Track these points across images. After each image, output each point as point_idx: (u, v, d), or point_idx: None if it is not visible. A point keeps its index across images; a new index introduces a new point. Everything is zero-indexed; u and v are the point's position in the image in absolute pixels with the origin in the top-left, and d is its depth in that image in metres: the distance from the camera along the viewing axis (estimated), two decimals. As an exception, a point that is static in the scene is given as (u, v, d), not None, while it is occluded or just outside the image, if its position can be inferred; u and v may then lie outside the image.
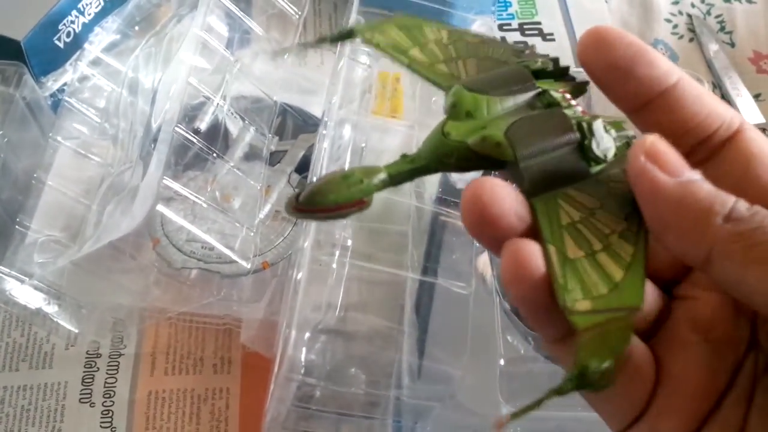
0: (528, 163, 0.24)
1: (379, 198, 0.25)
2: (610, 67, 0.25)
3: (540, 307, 0.23)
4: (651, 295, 0.26)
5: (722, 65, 0.67)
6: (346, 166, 0.42)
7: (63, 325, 0.49)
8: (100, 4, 0.59)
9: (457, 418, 0.39)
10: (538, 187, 0.24)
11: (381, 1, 0.46)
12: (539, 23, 0.74)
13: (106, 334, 0.50)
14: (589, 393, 0.23)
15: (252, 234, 0.49)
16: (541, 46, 0.72)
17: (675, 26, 0.72)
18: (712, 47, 0.69)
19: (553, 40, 0.73)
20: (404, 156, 0.26)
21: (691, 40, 0.71)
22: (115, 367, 0.49)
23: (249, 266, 0.47)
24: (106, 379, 0.49)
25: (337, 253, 0.38)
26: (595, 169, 0.25)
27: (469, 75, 0.28)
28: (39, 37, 0.54)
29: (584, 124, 0.25)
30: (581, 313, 0.22)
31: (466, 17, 0.57)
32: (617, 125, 0.26)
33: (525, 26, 0.74)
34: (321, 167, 0.45)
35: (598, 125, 0.25)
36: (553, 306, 0.23)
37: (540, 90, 0.26)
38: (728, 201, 0.22)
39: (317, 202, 0.24)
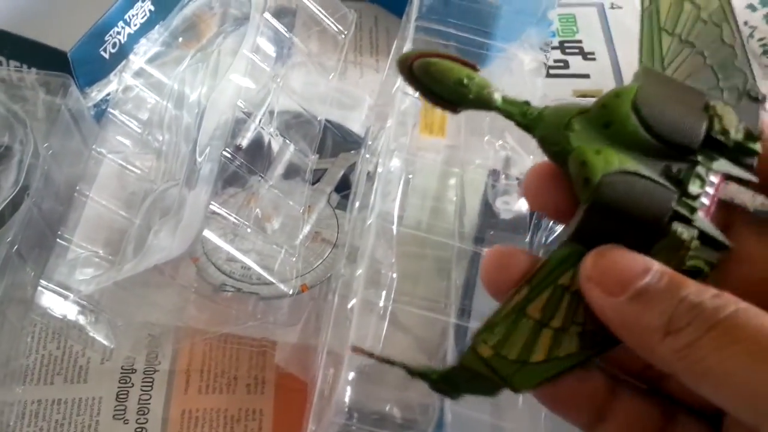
0: (588, 225, 0.23)
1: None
2: None
3: None
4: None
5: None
6: (397, 202, 0.42)
7: (98, 339, 0.49)
8: (146, 14, 0.59)
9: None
10: (578, 236, 0.23)
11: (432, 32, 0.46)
12: (580, 41, 0.74)
13: (141, 350, 0.50)
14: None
15: (291, 256, 0.48)
16: (581, 65, 0.71)
17: (720, 51, 0.71)
18: (755, 71, 0.68)
19: (594, 59, 0.72)
20: (526, 105, 0.25)
21: (735, 65, 0.69)
22: (150, 384, 0.49)
23: (290, 290, 0.46)
24: (140, 395, 0.49)
25: (383, 292, 0.38)
26: None
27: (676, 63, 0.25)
28: (85, 48, 0.54)
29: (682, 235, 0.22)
30: (477, 356, 0.23)
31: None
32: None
33: (566, 44, 0.73)
34: (358, 191, 0.45)
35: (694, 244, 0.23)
36: None
37: (690, 164, 0.23)
38: (667, 309, 0.21)
39: (428, 82, 0.25)
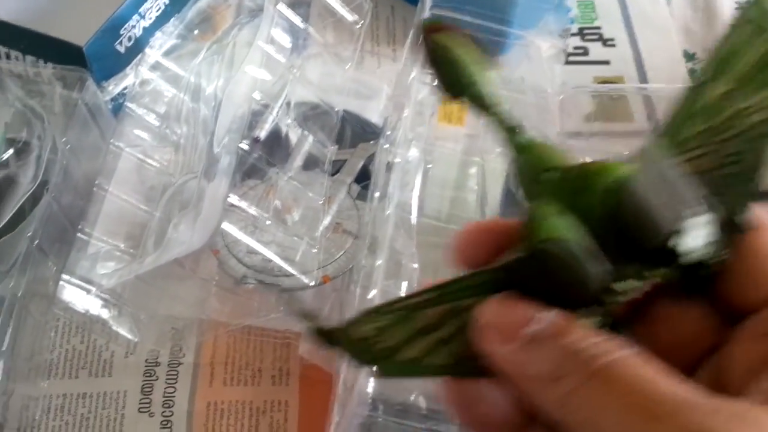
0: (511, 272, 0.22)
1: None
2: None
3: None
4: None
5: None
6: (415, 192, 0.41)
7: (122, 333, 0.49)
8: (160, 8, 0.58)
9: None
10: (499, 272, 0.23)
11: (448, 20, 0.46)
12: (599, 28, 0.73)
13: (165, 343, 0.50)
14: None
15: (313, 248, 0.48)
16: (600, 52, 0.70)
17: (742, 33, 0.70)
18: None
19: (614, 45, 0.71)
20: (517, 129, 0.24)
21: (758, 48, 0.68)
22: (174, 377, 0.49)
23: (311, 282, 0.46)
24: (165, 388, 0.49)
25: (404, 283, 0.38)
26: None
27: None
28: (101, 42, 0.54)
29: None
30: (351, 335, 0.22)
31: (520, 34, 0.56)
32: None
33: (585, 31, 0.73)
34: (377, 182, 0.44)
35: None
36: None
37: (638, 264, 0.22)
38: (555, 357, 0.20)
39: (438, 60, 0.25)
